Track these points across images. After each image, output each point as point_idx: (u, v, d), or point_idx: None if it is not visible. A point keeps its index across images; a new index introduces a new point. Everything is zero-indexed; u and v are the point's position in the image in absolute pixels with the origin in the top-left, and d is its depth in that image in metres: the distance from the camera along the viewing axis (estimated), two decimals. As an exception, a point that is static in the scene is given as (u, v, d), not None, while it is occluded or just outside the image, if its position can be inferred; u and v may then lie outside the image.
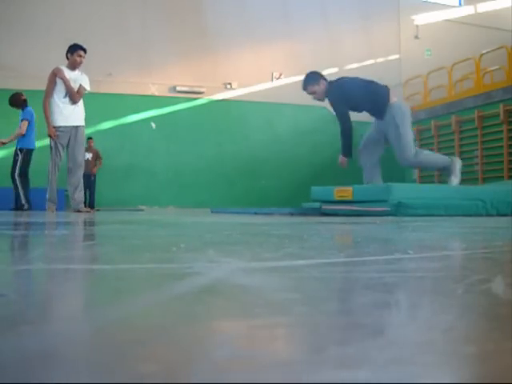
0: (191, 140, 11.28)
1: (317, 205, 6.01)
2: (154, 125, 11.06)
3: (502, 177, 9.93)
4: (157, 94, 11.26)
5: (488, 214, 5.20)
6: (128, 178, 10.72)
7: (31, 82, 9.12)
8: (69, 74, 6.29)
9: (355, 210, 5.32)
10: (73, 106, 6.29)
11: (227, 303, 0.64)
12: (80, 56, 6.25)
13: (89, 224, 3.32)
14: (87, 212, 6.33)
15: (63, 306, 0.64)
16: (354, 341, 0.46)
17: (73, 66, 6.31)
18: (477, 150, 10.71)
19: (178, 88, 11.34)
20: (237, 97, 11.78)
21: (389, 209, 4.99)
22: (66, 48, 6.26)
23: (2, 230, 2.53)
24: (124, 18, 11.00)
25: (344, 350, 0.42)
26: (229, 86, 11.73)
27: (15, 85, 9.62)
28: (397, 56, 13.04)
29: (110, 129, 10.81)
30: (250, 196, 11.28)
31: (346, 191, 5.65)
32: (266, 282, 0.78)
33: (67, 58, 6.32)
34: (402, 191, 5.22)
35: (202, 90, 11.50)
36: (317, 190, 6.38)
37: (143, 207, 9.92)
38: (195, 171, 11.24)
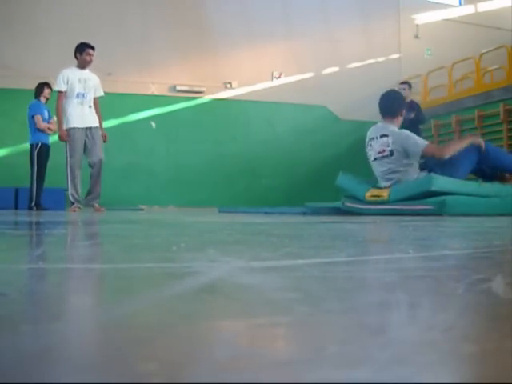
0: (191, 139, 11.27)
1: (337, 204, 5.27)
2: (154, 124, 11.05)
3: (502, 176, 9.90)
4: (157, 93, 11.24)
5: None
6: (128, 177, 10.70)
7: (31, 81, 9.10)
8: (80, 73, 6.28)
9: (391, 208, 4.70)
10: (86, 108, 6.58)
11: (227, 302, 0.64)
12: (89, 55, 6.27)
13: (89, 223, 3.32)
14: (98, 210, 6.38)
15: (63, 306, 0.64)
16: (355, 340, 0.46)
17: (82, 66, 6.32)
18: (477, 149, 10.69)
19: (178, 87, 11.33)
20: (237, 96, 11.77)
21: (431, 207, 4.45)
22: (65, 48, 6.26)
23: (2, 229, 2.53)
24: (124, 17, 10.99)
25: (344, 349, 0.42)
26: (229, 86, 11.72)
27: (15, 84, 9.62)
28: (397, 55, 13.03)
29: (110, 128, 10.75)
30: (250, 195, 11.27)
31: (381, 192, 4.98)
32: (267, 281, 0.78)
33: (76, 57, 6.29)
34: (445, 184, 4.63)
35: (202, 89, 11.48)
36: (345, 180, 5.28)
37: (143, 207, 9.91)
38: (195, 170, 11.23)
